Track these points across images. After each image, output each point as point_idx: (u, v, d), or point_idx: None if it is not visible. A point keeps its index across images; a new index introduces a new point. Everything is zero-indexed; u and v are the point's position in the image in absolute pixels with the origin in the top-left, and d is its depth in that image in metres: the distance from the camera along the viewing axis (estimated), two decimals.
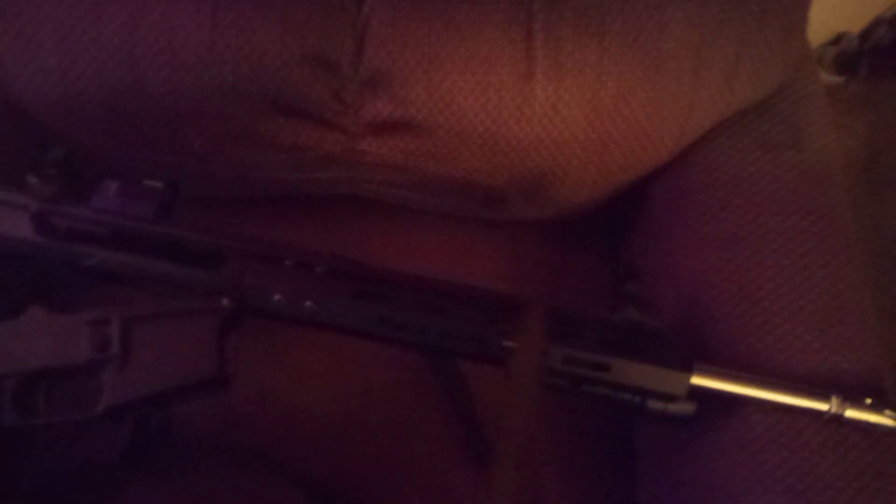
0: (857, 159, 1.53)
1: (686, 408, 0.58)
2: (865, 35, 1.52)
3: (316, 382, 0.77)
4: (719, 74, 0.67)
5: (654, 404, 0.58)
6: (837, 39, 1.55)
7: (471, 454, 0.74)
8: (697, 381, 0.56)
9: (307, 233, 0.83)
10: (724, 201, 0.68)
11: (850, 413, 0.56)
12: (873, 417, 0.57)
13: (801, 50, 0.73)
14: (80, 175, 0.62)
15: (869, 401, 0.57)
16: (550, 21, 0.64)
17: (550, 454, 0.76)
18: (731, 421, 0.60)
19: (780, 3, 0.67)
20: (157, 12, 0.64)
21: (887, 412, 0.57)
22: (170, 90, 0.66)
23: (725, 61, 0.67)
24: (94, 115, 0.68)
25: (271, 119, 0.69)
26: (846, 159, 1.52)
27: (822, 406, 0.57)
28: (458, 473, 0.74)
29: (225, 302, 0.57)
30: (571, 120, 0.66)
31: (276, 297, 0.57)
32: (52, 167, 0.60)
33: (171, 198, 0.62)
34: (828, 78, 1.58)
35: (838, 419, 0.56)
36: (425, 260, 0.84)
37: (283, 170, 0.76)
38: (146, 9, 0.64)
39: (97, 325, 0.55)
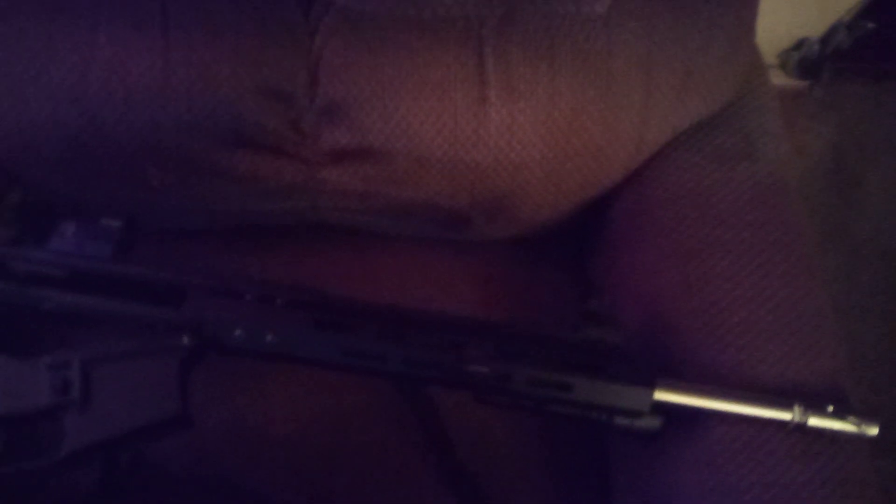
0: (823, 161, 1.55)
1: (652, 423, 0.59)
2: (826, 40, 1.54)
3: (286, 411, 0.77)
4: (670, 90, 0.68)
5: (621, 421, 0.58)
6: (799, 45, 1.57)
7: (442, 476, 0.74)
8: (660, 396, 0.56)
9: (272, 262, 0.83)
10: (682, 215, 0.69)
11: (813, 421, 0.57)
12: (836, 424, 0.57)
13: (751, 62, 0.74)
14: (38, 217, 0.62)
15: (831, 408, 0.57)
16: (500, 45, 0.64)
17: (525, 472, 0.76)
18: (697, 434, 0.61)
19: (727, 18, 0.68)
20: (109, 52, 0.64)
21: (850, 418, 0.57)
22: (126, 128, 0.66)
23: (676, 77, 0.68)
24: (50, 154, 0.68)
25: (230, 151, 0.69)
26: (813, 162, 1.54)
27: (784, 416, 0.57)
28: (429, 496, 0.74)
29: (185, 339, 0.56)
30: (527, 141, 0.67)
31: (237, 331, 0.57)
32: (9, 210, 0.60)
33: (130, 235, 0.62)
34: (792, 83, 1.61)
35: (802, 428, 0.57)
36: (393, 284, 0.84)
37: (245, 201, 0.76)
38: (97, 49, 0.64)
39: (57, 368, 0.55)
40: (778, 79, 1.59)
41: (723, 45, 0.68)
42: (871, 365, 1.34)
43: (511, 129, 0.67)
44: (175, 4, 0.65)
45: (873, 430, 0.57)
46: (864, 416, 0.57)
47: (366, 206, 0.76)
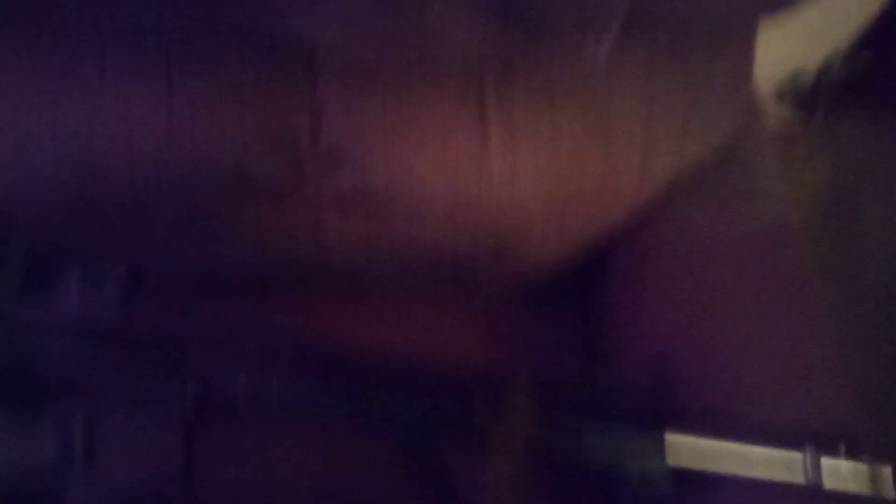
0: (822, 193, 1.55)
1: (662, 470, 0.58)
2: (822, 71, 1.55)
3: (290, 465, 0.75)
4: (669, 135, 0.68)
5: (631, 470, 0.58)
6: (795, 77, 1.58)
7: None
8: (671, 443, 0.56)
9: (276, 310, 0.82)
10: (686, 259, 0.69)
11: (826, 462, 0.56)
12: (849, 465, 0.56)
13: (749, 103, 0.75)
14: (40, 266, 0.61)
15: (843, 448, 0.57)
16: (501, 88, 0.65)
17: None
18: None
19: (725, 60, 0.69)
20: (114, 99, 0.64)
21: (862, 458, 0.57)
22: (130, 176, 0.66)
23: (675, 122, 0.68)
24: (52, 204, 0.68)
25: (233, 198, 0.70)
26: (811, 194, 1.54)
27: (795, 457, 0.56)
28: None
29: (189, 391, 0.56)
30: (529, 185, 0.67)
31: (242, 380, 0.57)
32: (11, 259, 0.60)
33: (134, 284, 0.61)
34: (788, 115, 1.62)
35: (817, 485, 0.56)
36: (396, 331, 0.83)
37: (248, 248, 0.75)
38: (104, 97, 0.64)
39: (59, 422, 0.54)
40: (774, 111, 1.60)
41: (722, 89, 0.69)
42: (876, 400, 1.32)
43: (513, 172, 0.67)
44: (179, 51, 0.65)
45: (886, 471, 0.57)
46: (877, 456, 0.57)
47: (369, 250, 0.76)
